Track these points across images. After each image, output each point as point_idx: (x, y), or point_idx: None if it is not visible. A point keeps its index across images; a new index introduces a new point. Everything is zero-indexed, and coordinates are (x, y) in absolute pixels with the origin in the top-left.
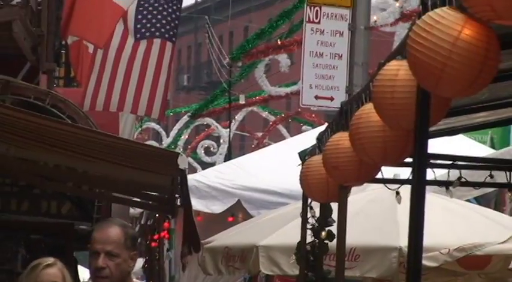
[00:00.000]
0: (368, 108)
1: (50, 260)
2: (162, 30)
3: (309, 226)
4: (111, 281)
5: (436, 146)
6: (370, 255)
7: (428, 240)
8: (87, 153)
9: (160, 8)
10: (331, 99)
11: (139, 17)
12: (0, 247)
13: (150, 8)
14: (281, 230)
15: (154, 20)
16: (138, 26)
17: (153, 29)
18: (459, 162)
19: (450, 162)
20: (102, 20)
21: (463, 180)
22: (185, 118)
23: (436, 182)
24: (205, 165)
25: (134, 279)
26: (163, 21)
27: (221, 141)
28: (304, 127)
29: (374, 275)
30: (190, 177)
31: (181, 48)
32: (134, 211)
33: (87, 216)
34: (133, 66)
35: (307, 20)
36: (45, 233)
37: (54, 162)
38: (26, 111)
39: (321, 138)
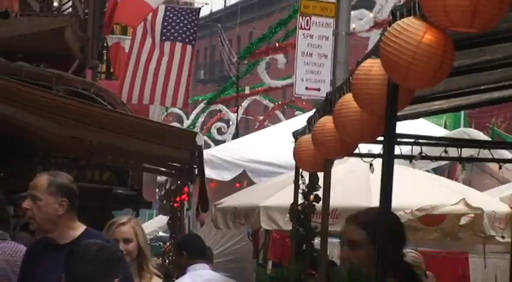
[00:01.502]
0: (348, 97)
1: (124, 218)
2: (183, 35)
3: (300, 191)
4: (36, 221)
5: (402, 127)
6: (348, 214)
7: (395, 202)
8: (123, 132)
9: (182, 18)
10: (319, 90)
11: (165, 23)
12: None
13: (174, 17)
14: (278, 194)
15: (177, 27)
16: (164, 30)
17: (176, 34)
18: (420, 141)
19: (413, 140)
20: (135, 12)
21: (423, 154)
22: (202, 105)
23: (402, 156)
24: (217, 142)
25: (78, 223)
26: (185, 29)
27: (230, 123)
28: (296, 112)
29: None
30: (205, 152)
31: (199, 50)
32: (161, 178)
33: (123, 183)
34: (161, 65)
35: (299, 27)
36: (89, 196)
37: (97, 139)
38: (75, 98)
39: (310, 121)
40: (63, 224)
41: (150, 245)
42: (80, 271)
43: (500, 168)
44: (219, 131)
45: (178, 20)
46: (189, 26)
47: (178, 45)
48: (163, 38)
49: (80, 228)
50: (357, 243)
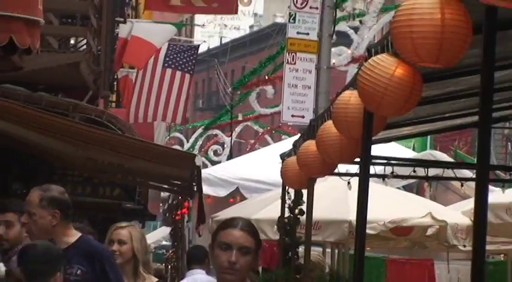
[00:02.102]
0: (329, 123)
1: (124, 223)
2: (183, 66)
3: (286, 205)
4: (33, 233)
5: (376, 150)
6: (329, 225)
7: (370, 215)
8: (131, 154)
9: (182, 52)
10: (303, 117)
11: (168, 53)
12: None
13: (176, 50)
14: (267, 208)
15: (178, 58)
16: (167, 59)
17: (176, 64)
18: (392, 162)
19: (385, 161)
20: (142, 53)
21: (394, 174)
22: (200, 130)
23: (376, 175)
24: (214, 163)
25: (73, 230)
26: (184, 60)
27: (225, 146)
28: (283, 137)
29: (332, 240)
30: (203, 171)
31: (197, 81)
32: (164, 194)
33: (131, 198)
34: (162, 89)
35: (286, 62)
36: (101, 209)
37: (108, 160)
38: (89, 124)
39: (295, 144)
40: (59, 233)
41: (153, 252)
42: (30, 268)
43: (462, 185)
44: (215, 152)
45: (179, 54)
46: (188, 59)
47: (178, 73)
48: (165, 65)
49: (75, 235)
50: (247, 250)
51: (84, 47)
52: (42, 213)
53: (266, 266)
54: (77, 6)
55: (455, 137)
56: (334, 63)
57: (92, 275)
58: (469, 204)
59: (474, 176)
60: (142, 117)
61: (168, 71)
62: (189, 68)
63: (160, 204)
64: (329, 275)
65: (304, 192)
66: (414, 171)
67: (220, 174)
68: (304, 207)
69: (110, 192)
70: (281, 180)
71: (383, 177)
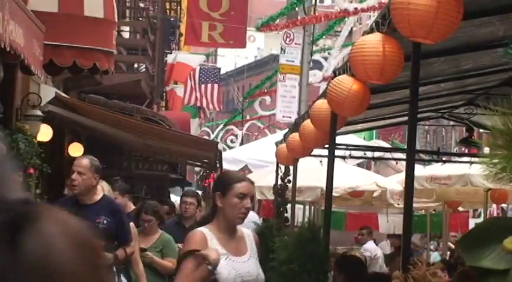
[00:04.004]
0: (308, 121)
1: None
2: (212, 80)
3: (279, 176)
4: (79, 188)
5: (339, 139)
6: (307, 190)
7: (335, 183)
8: (175, 141)
9: (209, 72)
10: (290, 117)
11: (201, 73)
12: (135, 185)
13: (206, 70)
14: (266, 178)
15: (207, 76)
16: (201, 77)
17: (208, 79)
18: (350, 147)
19: (345, 147)
20: (183, 73)
21: (351, 155)
22: (221, 126)
23: (339, 156)
24: (230, 148)
25: (99, 191)
26: (212, 76)
27: (238, 137)
28: (277, 131)
29: (309, 199)
30: (223, 153)
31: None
32: (197, 168)
33: (174, 171)
34: (202, 94)
35: (279, 80)
36: (155, 179)
37: (159, 145)
38: (146, 122)
39: (285, 135)
40: (93, 191)
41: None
42: None
43: (396, 163)
44: (231, 141)
45: (208, 72)
46: (214, 76)
47: (209, 85)
48: (200, 81)
49: (100, 194)
50: (253, 198)
51: (144, 69)
52: (89, 175)
53: (266, 217)
54: (138, 42)
55: (393, 131)
56: (311, 81)
57: (113, 224)
58: (402, 176)
59: (405, 157)
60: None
61: (203, 85)
62: (216, 80)
63: (195, 175)
64: (307, 223)
65: (291, 167)
66: (365, 154)
67: (234, 155)
68: (291, 177)
69: (160, 167)
70: (275, 159)
71: (344, 158)
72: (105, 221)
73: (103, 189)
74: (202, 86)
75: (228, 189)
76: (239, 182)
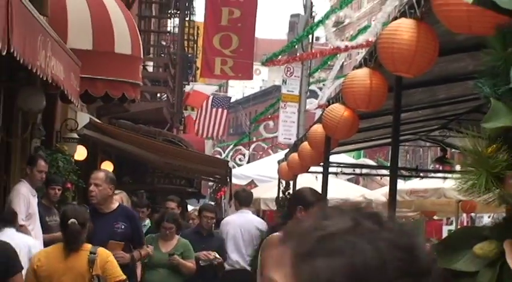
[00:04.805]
0: (305, 143)
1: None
2: (222, 106)
3: (280, 190)
4: (96, 198)
5: (332, 158)
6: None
7: (329, 195)
8: (191, 160)
9: (221, 99)
10: (290, 139)
11: (214, 100)
12: (157, 197)
13: (218, 98)
14: (269, 191)
15: (219, 103)
16: (213, 103)
17: (219, 105)
18: (341, 165)
19: (337, 164)
20: (199, 100)
21: (342, 172)
22: (231, 146)
23: (332, 173)
24: (239, 166)
25: (115, 200)
26: (223, 104)
27: (245, 156)
28: (279, 151)
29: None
30: (233, 170)
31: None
32: (210, 183)
33: (191, 185)
34: (212, 118)
35: (281, 107)
36: (174, 192)
37: (178, 163)
38: (167, 143)
39: (286, 155)
40: (109, 201)
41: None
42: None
43: (381, 178)
44: (240, 160)
45: (220, 100)
46: (225, 103)
47: (220, 110)
48: (212, 105)
49: (116, 203)
50: None
51: (165, 98)
52: (105, 186)
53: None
54: (161, 75)
55: (378, 150)
56: (308, 108)
57: (129, 229)
58: (385, 189)
59: (388, 173)
60: (203, 134)
61: (214, 110)
62: (226, 106)
63: (208, 189)
64: None
65: (291, 182)
66: (354, 170)
67: (242, 172)
68: (291, 191)
69: (179, 182)
70: (277, 175)
71: (336, 174)
72: (122, 226)
73: (122, 199)
74: (214, 109)
75: (311, 207)
76: (317, 201)
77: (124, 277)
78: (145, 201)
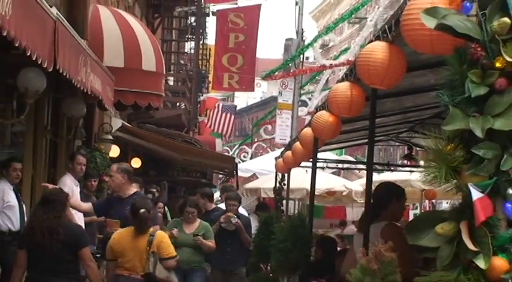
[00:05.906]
0: (297, 143)
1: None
2: (230, 112)
3: (277, 181)
4: (112, 187)
5: (320, 155)
6: (297, 190)
7: (317, 186)
8: (205, 157)
9: (229, 106)
10: (285, 140)
11: (223, 108)
12: (177, 187)
13: (227, 106)
14: (268, 182)
15: (227, 109)
16: (223, 109)
17: (228, 110)
18: (327, 160)
19: (324, 160)
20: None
21: (328, 166)
22: (237, 146)
23: (319, 167)
24: (243, 162)
25: (132, 187)
26: (230, 110)
27: (248, 154)
28: (276, 149)
29: (298, 197)
30: (238, 165)
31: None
32: (220, 175)
33: (204, 177)
34: (221, 121)
35: (277, 114)
36: (191, 183)
37: (194, 160)
38: (185, 143)
39: (282, 152)
40: (124, 188)
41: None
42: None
43: (359, 172)
44: (244, 156)
45: (228, 107)
46: (232, 109)
47: (228, 114)
48: (222, 110)
49: (133, 190)
50: None
51: (183, 107)
52: (117, 175)
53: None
54: (180, 88)
55: (356, 149)
56: (300, 115)
57: None
58: (363, 180)
59: (365, 167)
60: (214, 129)
61: (224, 114)
62: (234, 112)
63: (218, 180)
64: (297, 214)
65: (286, 175)
66: (337, 165)
67: (246, 166)
68: (285, 181)
69: (194, 175)
70: (275, 169)
71: (322, 168)
72: None
73: (138, 187)
74: (224, 113)
75: (402, 198)
76: (404, 194)
77: (174, 254)
78: (165, 198)
